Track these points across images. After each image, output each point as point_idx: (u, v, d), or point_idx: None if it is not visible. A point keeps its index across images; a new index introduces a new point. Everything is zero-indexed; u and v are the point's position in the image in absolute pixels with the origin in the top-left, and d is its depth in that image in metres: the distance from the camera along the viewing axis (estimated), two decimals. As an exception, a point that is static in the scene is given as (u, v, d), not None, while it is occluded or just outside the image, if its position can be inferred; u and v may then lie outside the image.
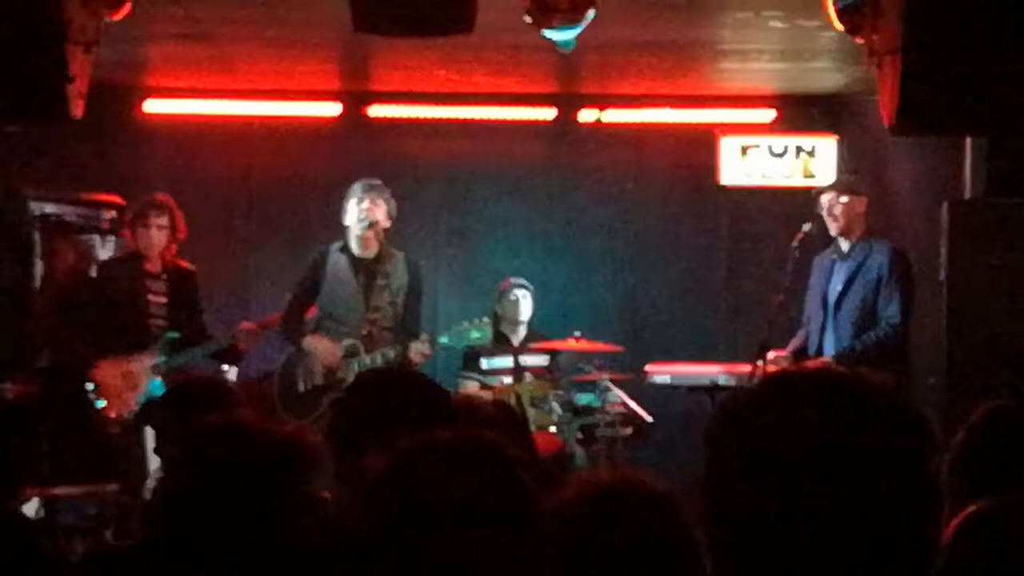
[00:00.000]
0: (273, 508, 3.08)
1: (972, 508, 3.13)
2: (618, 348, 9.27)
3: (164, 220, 8.55)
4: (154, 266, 8.60)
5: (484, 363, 9.55)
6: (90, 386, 8.28)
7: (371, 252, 8.44)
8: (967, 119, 6.09)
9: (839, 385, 2.03)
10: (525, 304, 9.75)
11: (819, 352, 8.41)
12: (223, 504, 3.06)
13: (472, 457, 2.53)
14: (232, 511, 3.05)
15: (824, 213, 8.43)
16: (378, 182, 8.50)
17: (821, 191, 8.62)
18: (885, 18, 5.97)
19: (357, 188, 8.46)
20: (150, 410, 7.97)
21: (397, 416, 3.53)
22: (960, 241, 7.79)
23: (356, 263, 8.47)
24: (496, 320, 9.59)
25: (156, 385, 8.29)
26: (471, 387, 9.23)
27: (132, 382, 8.31)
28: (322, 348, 8.39)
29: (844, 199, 8.41)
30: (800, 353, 8.51)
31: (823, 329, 8.44)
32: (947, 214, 7.84)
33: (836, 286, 8.41)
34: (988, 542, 3.00)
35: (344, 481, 3.57)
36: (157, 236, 8.54)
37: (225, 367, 8.87)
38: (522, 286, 9.79)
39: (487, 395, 8.97)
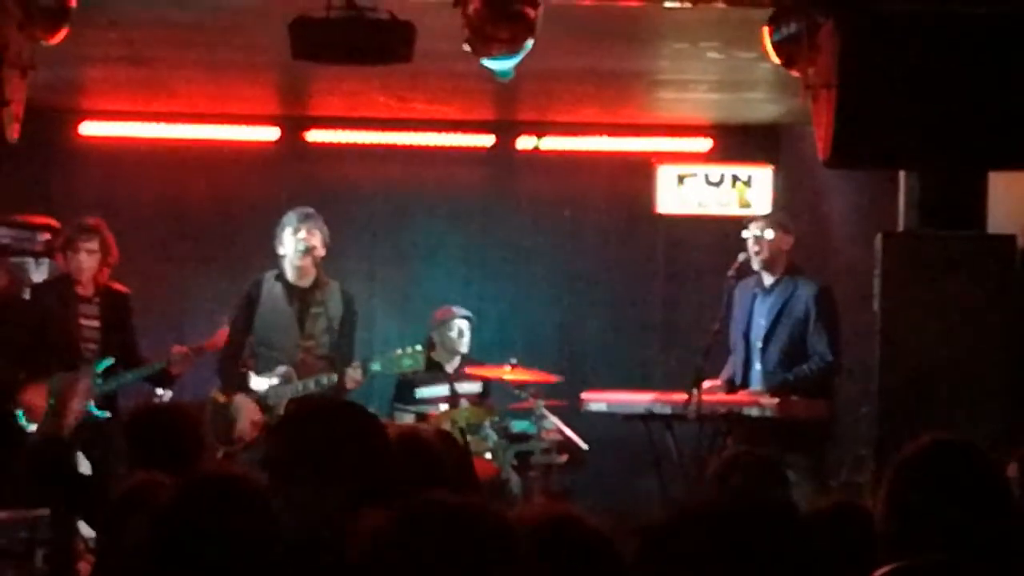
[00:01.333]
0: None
1: (883, 570, 3.16)
2: (554, 377, 9.28)
3: (94, 244, 8.49)
4: (86, 290, 8.54)
5: (418, 392, 9.52)
6: (19, 409, 8.20)
7: (307, 281, 8.44)
8: (900, 154, 6.15)
9: (751, 532, 2.18)
10: (468, 336, 9.74)
11: (745, 385, 8.46)
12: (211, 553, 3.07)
13: (472, 526, 2.56)
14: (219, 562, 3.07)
15: (749, 244, 8.47)
16: (312, 211, 8.49)
17: (750, 220, 8.68)
18: (821, 52, 6.03)
19: (292, 217, 8.44)
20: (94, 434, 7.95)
21: (333, 448, 3.53)
22: (893, 272, 7.86)
23: (291, 291, 8.46)
24: (431, 347, 9.57)
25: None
26: (407, 419, 9.20)
27: (63, 406, 8.23)
28: (241, 411, 8.37)
29: (770, 233, 8.46)
30: (731, 382, 8.56)
31: (747, 363, 8.50)
32: (880, 245, 7.92)
33: (760, 321, 8.46)
34: None
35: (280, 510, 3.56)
36: (87, 260, 8.49)
37: (159, 391, 8.81)
38: (466, 317, 9.77)
39: (424, 427, 8.96)
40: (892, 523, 3.26)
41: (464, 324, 9.75)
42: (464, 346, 9.72)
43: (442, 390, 9.51)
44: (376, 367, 8.42)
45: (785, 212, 9.09)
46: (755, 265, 8.48)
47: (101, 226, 8.55)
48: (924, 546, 3.13)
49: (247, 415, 8.35)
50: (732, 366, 8.64)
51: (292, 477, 3.48)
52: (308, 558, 3.34)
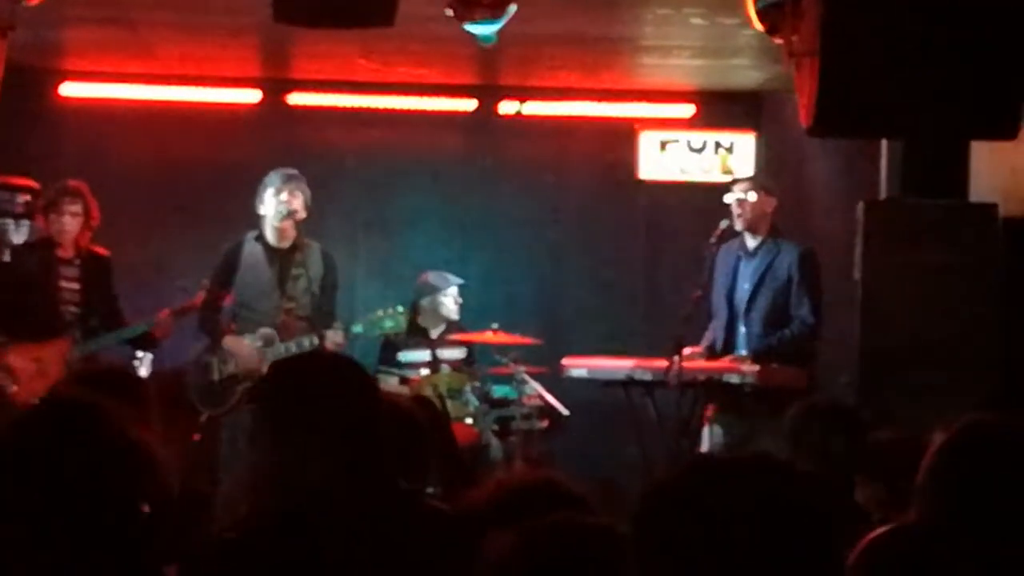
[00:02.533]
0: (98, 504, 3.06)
1: (873, 534, 3.15)
2: (535, 341, 9.30)
3: (77, 207, 8.49)
4: (67, 252, 8.53)
5: (401, 356, 9.52)
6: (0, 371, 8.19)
7: (287, 242, 8.44)
8: (883, 123, 6.14)
9: (759, 480, 2.17)
10: (458, 305, 9.76)
11: (727, 349, 8.47)
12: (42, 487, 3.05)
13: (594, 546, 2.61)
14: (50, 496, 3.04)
15: (732, 207, 8.48)
16: (295, 172, 8.48)
17: (733, 182, 8.69)
18: (804, 20, 6.01)
19: (275, 178, 8.43)
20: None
21: (322, 397, 3.46)
22: (874, 240, 7.88)
23: (271, 252, 8.45)
24: (416, 312, 9.56)
25: None
26: (391, 382, 9.21)
27: (43, 368, 8.23)
28: (240, 350, 8.36)
29: (753, 195, 8.47)
30: (712, 348, 8.57)
31: (730, 326, 8.50)
32: (862, 213, 7.93)
33: (743, 285, 8.47)
34: (883, 567, 3.04)
35: (269, 466, 3.47)
36: (70, 223, 8.48)
37: (140, 354, 8.81)
38: (459, 285, 9.78)
39: (406, 390, 8.96)
40: (931, 507, 3.18)
41: (455, 292, 9.76)
42: (456, 313, 9.74)
43: (424, 355, 9.50)
44: (358, 329, 8.42)
45: (767, 176, 9.09)
46: (738, 226, 8.48)
47: (83, 189, 8.54)
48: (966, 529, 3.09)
49: (244, 352, 8.33)
50: (713, 332, 8.65)
51: (278, 442, 3.41)
52: (299, 531, 3.27)
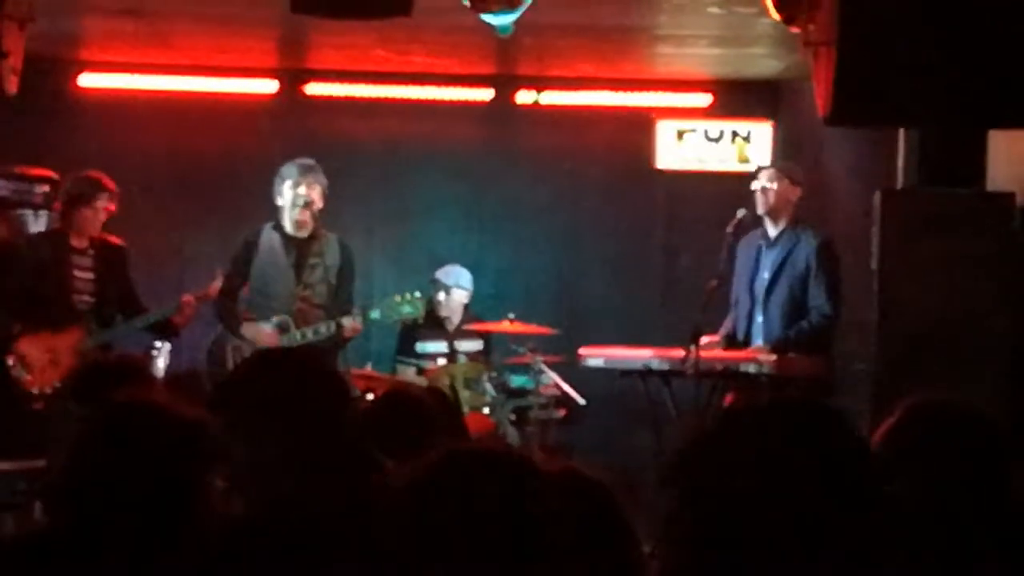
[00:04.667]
0: (176, 493, 3.06)
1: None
2: (552, 331, 9.31)
3: (109, 202, 8.53)
4: (80, 242, 8.56)
5: (419, 346, 9.54)
6: (11, 360, 8.21)
7: (304, 232, 8.43)
8: (901, 111, 6.14)
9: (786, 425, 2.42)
10: (452, 304, 9.72)
11: (747, 338, 8.46)
12: (126, 486, 3.05)
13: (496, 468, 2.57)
14: (134, 494, 3.03)
15: (757, 190, 8.47)
16: (313, 162, 8.47)
17: (761, 168, 8.67)
18: (821, 9, 6.01)
19: (292, 169, 8.42)
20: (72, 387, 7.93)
21: (294, 399, 3.35)
22: (892, 229, 7.85)
23: (289, 241, 8.45)
24: (432, 304, 9.59)
25: None
26: (408, 372, 9.22)
27: (56, 357, 8.25)
28: (259, 336, 8.35)
29: (779, 182, 8.45)
30: (731, 338, 8.56)
31: (750, 316, 8.50)
32: (879, 202, 7.91)
33: (763, 274, 8.46)
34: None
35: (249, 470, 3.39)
36: (103, 216, 8.55)
37: (158, 344, 8.81)
38: (460, 288, 9.75)
39: (423, 380, 8.98)
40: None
41: (457, 292, 9.72)
42: (444, 310, 9.70)
43: (441, 346, 9.53)
44: (375, 315, 8.42)
45: (795, 165, 9.06)
46: (759, 210, 8.47)
47: (111, 181, 8.58)
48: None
49: (263, 339, 8.32)
50: (732, 321, 8.64)
51: (251, 440, 3.30)
52: (267, 533, 3.18)
